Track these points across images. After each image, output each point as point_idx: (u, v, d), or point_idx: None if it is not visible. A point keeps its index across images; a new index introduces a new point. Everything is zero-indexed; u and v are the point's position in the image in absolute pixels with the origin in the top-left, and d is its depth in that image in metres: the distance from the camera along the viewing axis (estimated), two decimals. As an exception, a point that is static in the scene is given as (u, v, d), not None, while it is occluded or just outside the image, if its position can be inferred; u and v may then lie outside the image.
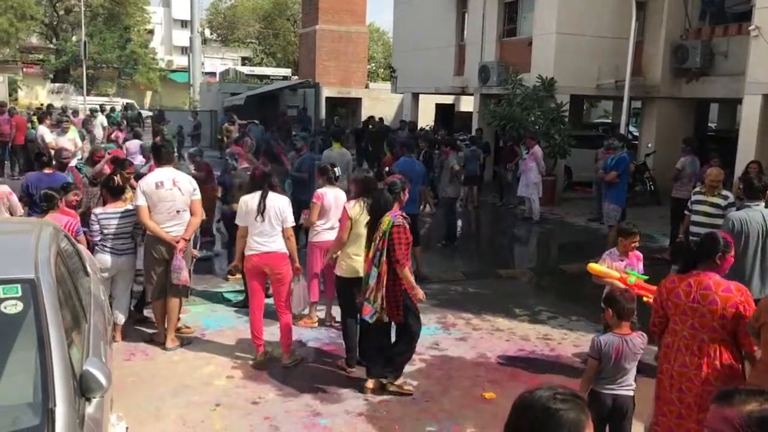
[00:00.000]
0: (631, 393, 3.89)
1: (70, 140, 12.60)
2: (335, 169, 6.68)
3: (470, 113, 19.90)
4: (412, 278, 5.04)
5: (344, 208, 5.74)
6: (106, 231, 5.81)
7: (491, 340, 6.49)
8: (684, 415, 3.61)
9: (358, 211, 5.58)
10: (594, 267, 5.22)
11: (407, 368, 5.72)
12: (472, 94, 18.82)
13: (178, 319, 6.10)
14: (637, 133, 19.08)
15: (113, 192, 6.07)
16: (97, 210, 6.03)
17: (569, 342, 6.43)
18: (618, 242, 5.48)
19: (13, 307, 2.98)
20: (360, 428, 4.70)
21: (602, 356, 3.78)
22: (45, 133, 12.91)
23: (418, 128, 19.27)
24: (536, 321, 7.02)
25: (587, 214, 13.03)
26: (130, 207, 6.01)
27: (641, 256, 5.45)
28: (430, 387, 5.40)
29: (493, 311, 7.27)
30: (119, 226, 5.87)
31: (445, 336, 6.52)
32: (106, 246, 5.82)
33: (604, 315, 4.06)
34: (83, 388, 2.87)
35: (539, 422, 1.70)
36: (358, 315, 5.32)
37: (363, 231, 5.51)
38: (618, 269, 5.16)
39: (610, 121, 24.04)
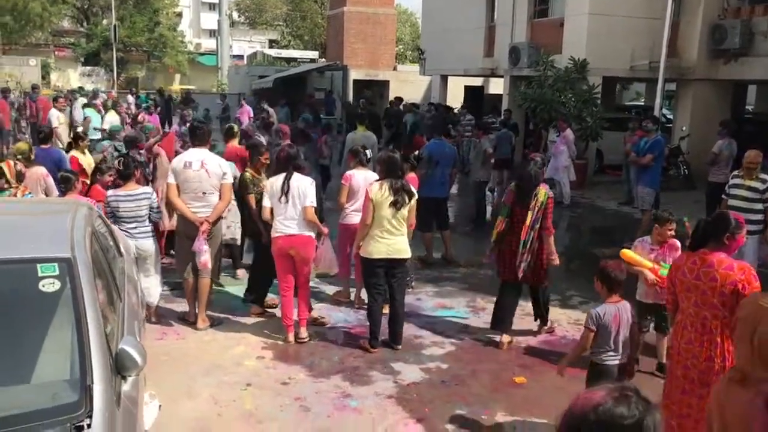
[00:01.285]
0: (626, 359, 4.11)
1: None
2: (366, 151, 6.65)
3: (500, 96, 19.65)
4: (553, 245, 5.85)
5: (366, 190, 5.69)
6: (118, 214, 5.76)
7: (521, 324, 6.41)
8: (687, 390, 3.68)
9: (381, 193, 5.49)
10: (627, 254, 5.12)
11: (436, 351, 5.73)
12: (501, 76, 18.57)
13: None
14: (670, 116, 18.68)
15: (122, 175, 6.05)
16: (109, 192, 6.01)
17: (601, 327, 6.33)
18: (653, 230, 5.33)
19: (51, 286, 3.02)
20: (390, 410, 4.70)
21: (600, 326, 4.00)
22: (52, 117, 13.05)
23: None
24: (567, 306, 6.94)
25: (619, 198, 12.82)
26: (141, 190, 5.88)
27: (679, 245, 5.23)
28: (460, 370, 5.38)
29: (523, 295, 7.18)
30: (131, 209, 5.76)
31: (475, 319, 6.48)
32: (120, 229, 5.80)
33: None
34: (119, 366, 2.90)
35: None
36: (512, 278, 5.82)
37: (387, 212, 5.46)
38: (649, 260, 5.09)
39: (643, 103, 23.56)
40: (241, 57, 45.86)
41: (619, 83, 22.14)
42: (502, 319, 5.88)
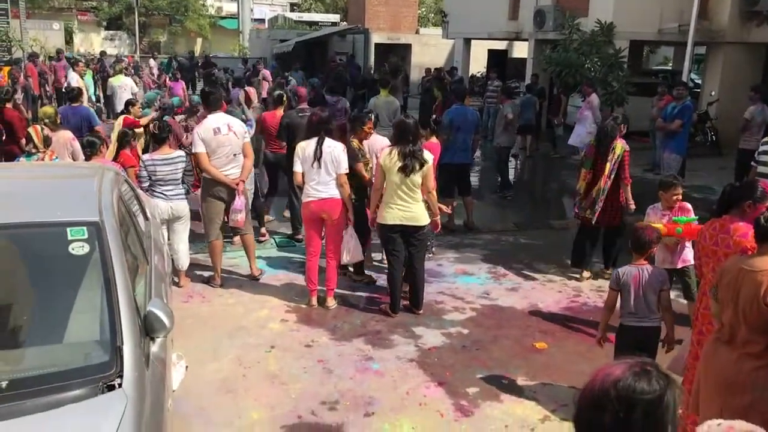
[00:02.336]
0: (657, 324, 4.11)
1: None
2: (369, 115, 6.64)
3: (524, 60, 19.31)
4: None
5: (377, 157, 5.66)
6: (154, 177, 5.89)
7: (543, 290, 6.44)
8: (698, 356, 3.57)
9: (391, 158, 5.41)
10: (641, 225, 5.09)
11: (457, 317, 5.77)
12: (526, 40, 18.23)
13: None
14: (698, 81, 18.25)
15: (157, 139, 6.13)
16: (144, 156, 6.12)
17: (623, 294, 6.31)
18: (659, 196, 5.31)
19: (80, 249, 3.08)
20: (411, 373, 4.76)
21: (621, 286, 4.08)
22: (72, 80, 13.20)
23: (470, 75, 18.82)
24: (589, 272, 6.90)
25: (644, 165, 12.63)
26: (176, 154, 6.06)
27: (689, 207, 5.27)
28: (480, 335, 5.42)
29: (545, 262, 7.20)
30: (167, 172, 5.92)
31: (496, 286, 6.50)
32: (156, 191, 5.91)
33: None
34: (147, 328, 2.97)
35: (649, 412, 1.57)
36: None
37: (396, 178, 5.40)
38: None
39: (670, 68, 23.02)
40: (262, 21, 45.38)
41: (646, 47, 21.65)
42: (581, 258, 6.71)
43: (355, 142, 6.17)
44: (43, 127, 6.55)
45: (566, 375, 4.74)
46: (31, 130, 6.31)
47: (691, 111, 9.75)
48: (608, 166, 6.22)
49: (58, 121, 7.14)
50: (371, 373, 4.76)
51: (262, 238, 7.54)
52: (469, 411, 4.30)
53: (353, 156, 6.01)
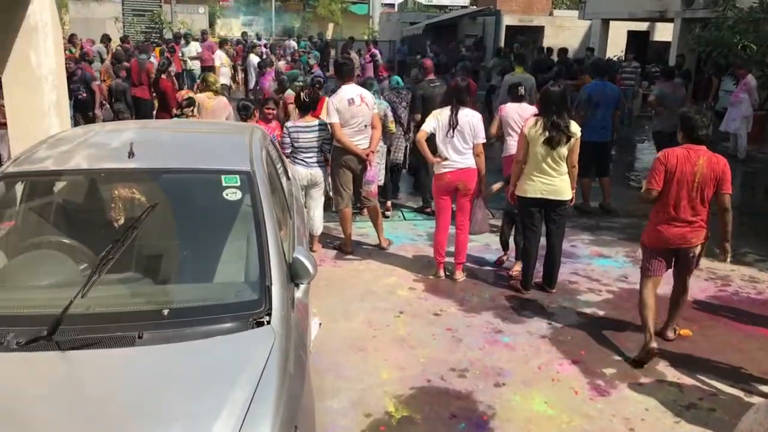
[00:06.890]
0: None
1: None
2: (520, 87, 6.48)
3: (666, 44, 18.11)
4: None
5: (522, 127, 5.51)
6: (296, 144, 6.09)
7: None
8: None
9: (536, 129, 5.22)
10: None
11: (592, 298, 5.52)
12: (671, 20, 17.04)
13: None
14: None
15: (302, 108, 6.31)
16: (288, 123, 6.33)
17: (780, 287, 5.77)
18: None
19: (234, 195, 3.22)
20: (543, 349, 4.61)
21: None
22: (216, 56, 14.04)
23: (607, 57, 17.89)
24: (741, 263, 6.35)
25: (802, 155, 11.50)
26: (317, 122, 6.19)
27: None
28: (618, 318, 5.16)
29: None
30: (308, 139, 6.10)
31: (635, 270, 6.11)
32: (297, 158, 6.11)
33: None
34: (293, 274, 3.05)
35: None
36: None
37: (540, 150, 5.21)
38: None
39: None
40: (392, 5, 45.83)
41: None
42: None
43: None
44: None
45: (713, 364, 4.42)
46: (192, 94, 6.79)
47: None
48: None
49: (217, 89, 7.66)
50: (501, 345, 4.66)
51: (387, 212, 7.58)
52: (605, 391, 4.10)
53: None
